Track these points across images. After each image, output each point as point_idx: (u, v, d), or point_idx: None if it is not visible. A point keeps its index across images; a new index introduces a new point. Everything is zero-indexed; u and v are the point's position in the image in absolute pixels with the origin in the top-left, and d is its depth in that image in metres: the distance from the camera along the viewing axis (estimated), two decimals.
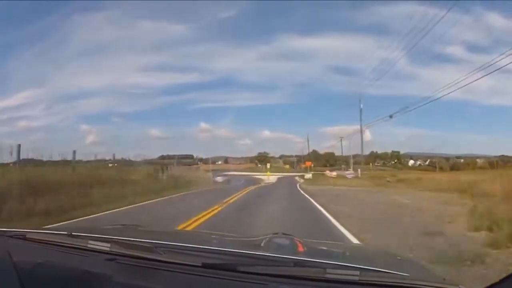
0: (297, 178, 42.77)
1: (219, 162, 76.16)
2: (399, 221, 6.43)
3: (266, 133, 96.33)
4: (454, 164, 65.52)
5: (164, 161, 29.26)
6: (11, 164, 13.96)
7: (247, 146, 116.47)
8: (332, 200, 10.95)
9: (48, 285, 0.88)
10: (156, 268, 0.90)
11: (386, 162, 68.74)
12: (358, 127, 35.07)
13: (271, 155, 75.08)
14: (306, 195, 14.23)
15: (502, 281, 0.82)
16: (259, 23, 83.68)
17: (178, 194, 13.90)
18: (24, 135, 57.91)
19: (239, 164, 74.66)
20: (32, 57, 61.60)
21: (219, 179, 32.48)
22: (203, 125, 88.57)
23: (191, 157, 67.32)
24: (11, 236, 1.14)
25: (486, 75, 15.06)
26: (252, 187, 20.79)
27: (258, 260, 0.92)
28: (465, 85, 16.48)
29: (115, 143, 63.91)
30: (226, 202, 10.22)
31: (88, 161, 19.18)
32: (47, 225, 4.83)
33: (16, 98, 56.80)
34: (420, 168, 65.73)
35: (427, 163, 71.71)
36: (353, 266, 0.86)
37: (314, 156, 56.55)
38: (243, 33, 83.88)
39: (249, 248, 1.21)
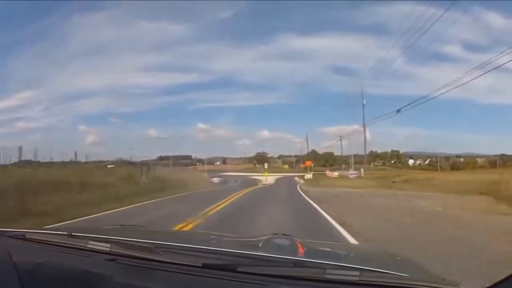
0: (296, 178, 41.46)
1: (218, 163, 76.31)
2: (477, 251, 4.04)
3: (265, 133, 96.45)
4: (454, 163, 65.56)
5: (148, 161, 27.87)
6: (9, 166, 14.00)
7: (246, 147, 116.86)
8: (344, 209, 8.80)
9: (48, 285, 0.88)
10: (156, 269, 0.90)
11: (386, 162, 68.79)
12: (357, 126, 34.73)
13: (269, 155, 75.28)
14: (310, 200, 11.85)
15: (502, 281, 0.82)
16: (258, 23, 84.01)
17: (153, 201, 11.55)
18: (23, 136, 57.98)
19: (238, 164, 74.66)
20: (31, 57, 61.83)
21: (214, 180, 31.77)
22: (202, 125, 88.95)
23: (189, 157, 67.48)
24: (11, 236, 1.14)
25: (485, 73, 15.09)
26: (246, 190, 18.38)
27: (257, 261, 0.92)
28: (464, 83, 16.52)
29: (115, 144, 64.07)
30: (209, 211, 8.08)
31: (86, 162, 19.20)
32: None
33: (15, 98, 56.91)
34: (420, 167, 65.73)
35: (427, 162, 71.78)
36: (353, 267, 0.86)
37: (313, 156, 56.51)
38: (243, 33, 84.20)
39: (249, 249, 1.21)
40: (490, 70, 14.76)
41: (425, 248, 4.18)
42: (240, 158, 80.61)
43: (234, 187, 22.05)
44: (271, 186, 26.90)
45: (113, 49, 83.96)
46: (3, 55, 65.93)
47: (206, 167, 53.62)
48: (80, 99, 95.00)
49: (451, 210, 8.38)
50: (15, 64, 67.15)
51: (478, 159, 66.80)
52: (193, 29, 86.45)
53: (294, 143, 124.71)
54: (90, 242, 1.03)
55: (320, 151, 65.86)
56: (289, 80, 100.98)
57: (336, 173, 41.03)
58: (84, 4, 65.16)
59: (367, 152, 52.17)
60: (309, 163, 45.84)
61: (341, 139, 43.44)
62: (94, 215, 7.70)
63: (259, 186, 27.67)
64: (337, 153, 61.20)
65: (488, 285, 0.82)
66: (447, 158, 68.27)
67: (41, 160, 16.30)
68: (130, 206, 9.84)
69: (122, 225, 1.72)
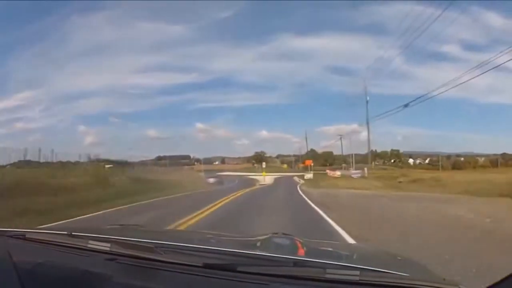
0: (296, 178, 39.84)
1: (216, 163, 76.39)
2: None
3: (264, 133, 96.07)
4: (455, 162, 65.56)
5: (128, 161, 24.53)
6: (7, 166, 14.03)
7: (244, 146, 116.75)
8: (361, 220, 6.94)
9: (48, 285, 0.88)
10: (157, 268, 0.90)
11: (386, 161, 68.73)
12: (356, 126, 34.54)
13: (268, 155, 74.93)
14: (314, 206, 9.72)
15: (502, 281, 0.82)
16: (257, 24, 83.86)
17: (116, 208, 9.25)
18: (22, 136, 57.87)
19: (236, 164, 74.60)
20: (30, 57, 61.53)
21: (210, 180, 30.65)
22: (201, 125, 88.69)
23: (188, 157, 67.49)
24: (11, 236, 1.14)
25: (484, 72, 15.06)
26: (241, 192, 16.33)
27: (258, 260, 0.92)
28: (463, 82, 16.45)
29: (114, 144, 63.94)
30: (180, 224, 6.24)
31: (84, 162, 18.49)
32: None
33: (14, 99, 56.80)
34: (421, 166, 65.68)
35: (427, 161, 71.77)
36: (353, 266, 0.86)
37: (312, 156, 56.26)
38: (242, 33, 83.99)
39: (250, 248, 1.21)
40: (490, 70, 14.76)
41: None
42: (239, 158, 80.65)
43: (227, 189, 19.84)
44: (268, 187, 24.98)
45: (112, 49, 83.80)
46: (1, 55, 65.78)
47: (202, 166, 53.41)
48: (80, 99, 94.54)
49: (508, 223, 6.25)
50: (13, 65, 66.92)
51: (478, 158, 66.82)
52: (192, 29, 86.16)
53: (293, 143, 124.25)
54: (90, 241, 1.03)
55: (319, 150, 65.85)
56: (288, 80, 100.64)
57: (338, 173, 39.08)
58: (83, 4, 64.88)
59: (367, 151, 51.96)
60: (309, 162, 44.03)
61: (341, 138, 43.27)
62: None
63: (256, 187, 25.71)
64: (336, 152, 61.30)
65: (488, 285, 0.82)
66: (448, 157, 68.27)
67: (41, 160, 16.16)
68: (76, 218, 7.10)
69: (122, 225, 1.72)
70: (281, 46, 79.66)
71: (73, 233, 1.11)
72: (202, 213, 7.91)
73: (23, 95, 58.03)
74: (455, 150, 71.02)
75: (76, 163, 18.55)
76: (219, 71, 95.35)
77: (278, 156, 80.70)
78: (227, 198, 12.22)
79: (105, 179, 14.87)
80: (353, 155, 43.81)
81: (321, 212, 8.34)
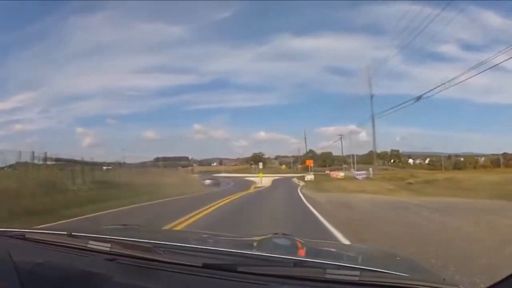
0: (295, 180, 37.05)
1: (214, 164, 76.49)
2: None
3: (262, 134, 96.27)
4: (456, 162, 65.59)
5: (99, 161, 20.40)
6: (5, 168, 13.63)
7: (243, 148, 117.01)
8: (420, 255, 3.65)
9: (48, 285, 0.88)
10: (156, 269, 0.90)
11: (386, 161, 68.77)
12: (354, 127, 34.23)
13: (266, 156, 75.04)
14: (326, 223, 6.62)
15: (502, 281, 0.82)
16: (255, 24, 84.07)
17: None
18: (21, 137, 57.85)
19: (234, 165, 74.53)
20: (27, 59, 61.74)
21: (207, 182, 29.05)
22: (199, 126, 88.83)
23: (186, 159, 67.55)
24: (11, 236, 1.15)
25: (481, 72, 15.01)
26: (231, 198, 13.73)
27: (258, 261, 0.92)
28: (461, 81, 16.31)
29: (113, 145, 63.99)
30: None
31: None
32: None
33: (12, 101, 56.71)
34: (421, 167, 65.76)
35: (426, 161, 71.84)
36: (353, 267, 0.86)
37: (311, 156, 56.16)
38: (240, 34, 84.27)
39: (249, 248, 1.21)
40: (488, 69, 14.70)
41: None
42: (237, 159, 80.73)
43: (217, 194, 16.62)
44: (265, 190, 22.03)
45: (110, 50, 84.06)
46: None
47: (196, 168, 53.14)
48: (78, 101, 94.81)
49: None
50: (11, 67, 66.89)
51: (478, 158, 66.86)
52: (190, 30, 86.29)
53: (291, 143, 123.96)
54: (90, 242, 1.04)
55: (318, 151, 65.85)
56: (286, 80, 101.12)
57: (341, 174, 36.89)
58: (80, 5, 64.88)
59: (366, 152, 51.75)
60: (310, 162, 40.98)
61: (341, 138, 43.09)
62: None
63: (251, 190, 22.21)
64: (335, 153, 61.28)
65: (488, 285, 0.82)
66: (448, 157, 68.31)
67: (37, 162, 15.10)
68: None
69: (122, 225, 1.72)
70: (280, 47, 79.86)
71: (73, 233, 1.11)
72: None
73: (19, 98, 58.04)
74: (455, 150, 71.25)
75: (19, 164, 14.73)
76: (217, 72, 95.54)
77: (276, 157, 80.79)
78: (210, 207, 9.45)
79: (52, 184, 11.35)
80: (355, 155, 43.47)
81: (336, 232, 5.55)
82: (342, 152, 47.37)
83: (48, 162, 14.01)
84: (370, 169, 31.84)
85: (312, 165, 40.76)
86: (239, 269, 0.86)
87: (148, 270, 0.90)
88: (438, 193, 14.81)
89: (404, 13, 36.97)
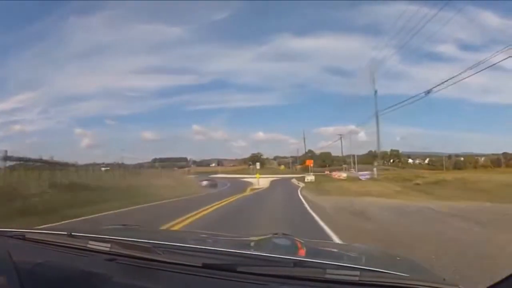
0: (294, 181, 34.97)
1: (213, 165, 76.47)
2: None
3: (261, 134, 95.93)
4: (456, 162, 65.61)
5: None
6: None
7: (241, 148, 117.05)
8: None
9: (48, 285, 0.88)
10: (156, 269, 0.90)
11: (385, 162, 68.82)
12: (353, 127, 33.87)
13: (265, 156, 75.01)
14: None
15: (502, 281, 0.82)
16: (254, 24, 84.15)
17: None
18: (20, 138, 57.83)
19: (233, 166, 74.43)
20: (26, 60, 61.83)
21: (204, 183, 28.51)
22: (198, 127, 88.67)
23: (185, 159, 67.62)
24: (11, 236, 1.15)
25: (479, 71, 14.95)
26: (222, 203, 11.95)
27: (258, 261, 0.92)
28: (460, 80, 16.16)
29: (112, 146, 63.89)
30: None
31: (80, 165, 16.17)
32: None
33: (11, 101, 56.60)
34: (421, 166, 65.79)
35: (426, 161, 71.86)
36: (353, 267, 0.86)
37: (310, 156, 56.03)
38: (240, 34, 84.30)
39: (249, 249, 1.21)
40: (485, 68, 14.66)
41: None
42: (236, 160, 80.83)
43: (207, 198, 14.53)
44: (262, 193, 20.34)
45: (109, 51, 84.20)
46: None
47: (193, 169, 52.96)
48: (77, 101, 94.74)
49: None
50: (10, 67, 66.70)
51: (478, 158, 66.92)
52: (190, 30, 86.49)
53: (290, 144, 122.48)
54: (90, 242, 1.04)
55: (317, 151, 65.80)
56: (285, 81, 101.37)
57: (343, 174, 34.83)
58: (79, 5, 64.83)
59: (366, 152, 51.74)
60: (310, 162, 40.07)
61: (341, 138, 43.00)
62: None
63: (247, 193, 20.48)
64: (334, 153, 61.21)
65: (488, 285, 0.82)
66: (448, 157, 68.34)
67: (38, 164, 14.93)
68: None
69: (122, 225, 1.72)
70: (279, 47, 79.88)
71: (72, 233, 1.11)
72: None
73: (18, 98, 57.86)
74: (454, 150, 71.32)
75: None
76: (215, 72, 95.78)
77: (275, 158, 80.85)
78: (193, 215, 7.84)
79: (12, 188, 9.41)
80: (355, 155, 43.45)
81: None
82: (342, 152, 47.34)
83: (9, 162, 11.73)
84: (374, 169, 29.90)
85: (312, 165, 39.67)
86: (239, 269, 0.86)
87: (148, 270, 0.90)
88: (454, 196, 12.88)
89: (403, 13, 36.95)
